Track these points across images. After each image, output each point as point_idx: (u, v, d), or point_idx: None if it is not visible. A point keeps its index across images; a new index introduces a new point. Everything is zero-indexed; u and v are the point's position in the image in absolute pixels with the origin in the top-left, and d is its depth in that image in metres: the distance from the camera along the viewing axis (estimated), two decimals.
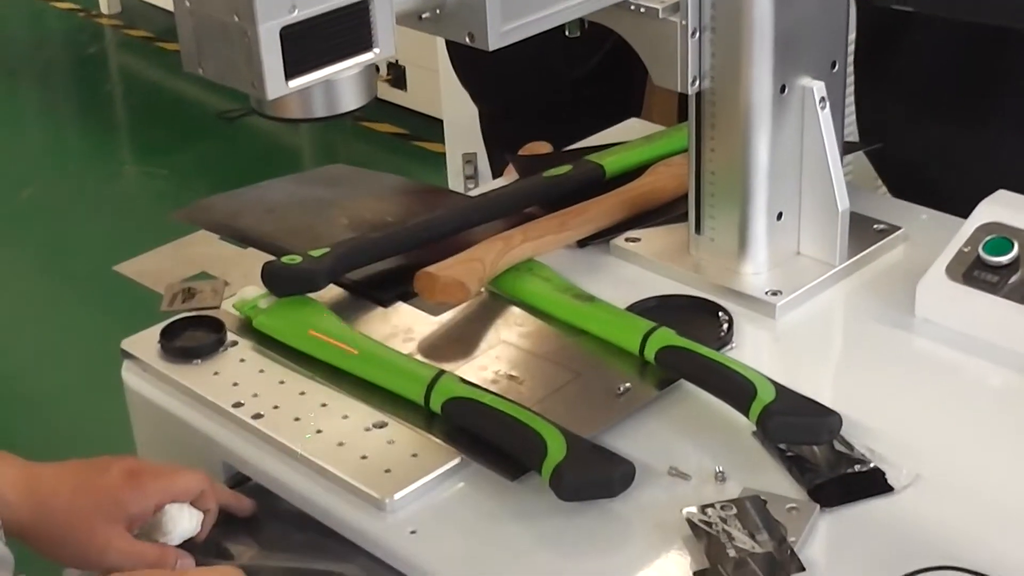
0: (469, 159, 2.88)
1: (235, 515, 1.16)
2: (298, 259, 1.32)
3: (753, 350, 1.28)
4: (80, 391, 2.71)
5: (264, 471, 1.17)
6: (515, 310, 1.34)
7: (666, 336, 1.23)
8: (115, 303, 1.84)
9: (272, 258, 1.34)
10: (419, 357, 1.26)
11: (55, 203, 3.54)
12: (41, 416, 2.73)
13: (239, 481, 1.21)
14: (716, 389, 1.18)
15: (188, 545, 1.12)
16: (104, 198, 3.59)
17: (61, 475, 1.10)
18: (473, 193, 1.62)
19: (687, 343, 1.21)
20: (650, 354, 1.22)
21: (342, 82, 1.11)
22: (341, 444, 1.16)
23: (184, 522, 1.11)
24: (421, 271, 1.31)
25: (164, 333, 1.30)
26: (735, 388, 1.16)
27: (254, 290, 1.34)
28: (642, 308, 1.32)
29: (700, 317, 1.31)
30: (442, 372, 1.19)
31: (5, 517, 1.05)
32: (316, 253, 1.33)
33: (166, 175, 3.71)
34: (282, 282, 1.32)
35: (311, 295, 1.32)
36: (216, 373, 1.26)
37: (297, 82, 1.05)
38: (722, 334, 1.28)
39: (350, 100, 1.13)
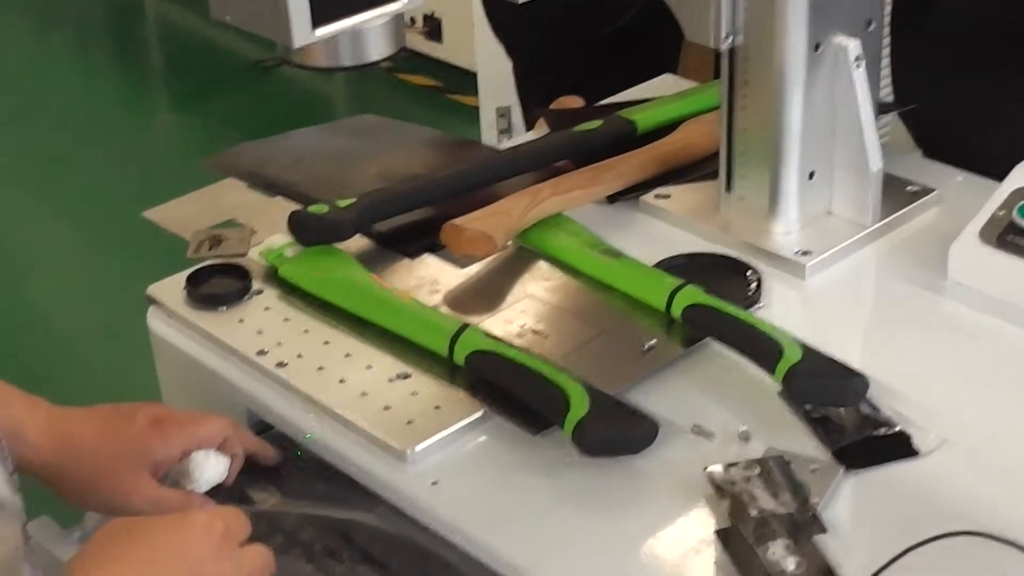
0: (503, 113, 2.87)
1: (259, 463, 1.15)
2: (325, 208, 1.31)
3: (781, 310, 1.26)
4: (109, 335, 2.71)
5: (287, 420, 1.17)
6: (542, 264, 1.33)
7: (693, 294, 1.21)
8: (144, 249, 1.83)
9: (299, 207, 1.34)
10: (444, 309, 1.26)
11: (88, 150, 3.53)
12: (72, 358, 2.73)
13: (262, 429, 1.20)
14: (742, 348, 1.17)
15: (213, 491, 1.11)
16: (137, 145, 3.59)
17: (87, 420, 1.09)
18: (504, 147, 1.60)
19: (714, 301, 1.20)
20: (676, 312, 1.21)
21: (369, 31, 1.10)
22: (364, 394, 1.16)
23: (210, 468, 1.10)
24: (448, 223, 1.30)
25: (190, 280, 1.30)
26: (761, 347, 1.15)
27: (280, 239, 1.34)
28: (670, 265, 1.31)
29: (728, 276, 1.30)
30: (466, 325, 1.18)
31: (29, 459, 1.05)
32: (343, 203, 1.32)
33: (200, 123, 3.70)
34: (308, 231, 1.31)
35: (337, 245, 1.31)
36: (241, 321, 1.26)
37: (323, 31, 1.04)
38: (750, 293, 1.27)
39: (377, 50, 1.12)
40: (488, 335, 1.17)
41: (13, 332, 2.81)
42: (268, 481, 1.16)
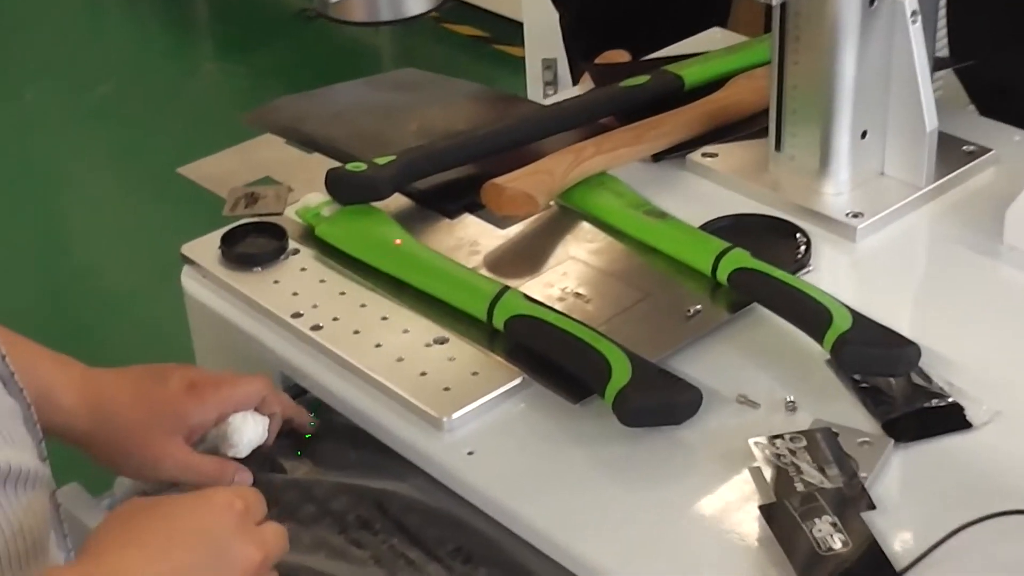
0: (549, 64, 2.81)
1: (294, 428, 1.13)
2: (363, 166, 1.28)
3: (831, 274, 1.22)
4: (149, 290, 2.67)
5: (321, 384, 1.14)
6: (585, 225, 1.29)
7: (740, 257, 1.18)
8: (182, 204, 1.79)
9: (337, 164, 1.31)
10: (484, 272, 1.22)
11: (131, 99, 3.51)
12: (113, 311, 2.72)
13: (296, 394, 1.18)
14: (790, 315, 1.13)
15: (250, 457, 1.08)
16: (179, 95, 3.55)
17: (120, 382, 1.06)
18: (549, 100, 1.57)
19: (762, 265, 1.16)
20: (723, 276, 1.17)
21: None
22: (400, 360, 1.13)
23: (249, 431, 1.07)
24: (488, 182, 1.26)
25: (225, 239, 1.27)
26: (810, 314, 1.11)
27: (317, 197, 1.31)
28: (716, 227, 1.27)
29: (777, 238, 1.26)
30: (506, 288, 1.15)
31: (61, 424, 1.02)
32: (381, 161, 1.29)
33: (243, 72, 3.67)
34: (346, 189, 1.28)
35: (375, 204, 1.28)
36: (276, 282, 1.23)
37: None
38: (799, 256, 1.23)
39: (417, 4, 1.08)
40: (528, 299, 1.14)
41: (55, 285, 2.80)
42: (300, 448, 1.13)
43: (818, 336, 1.09)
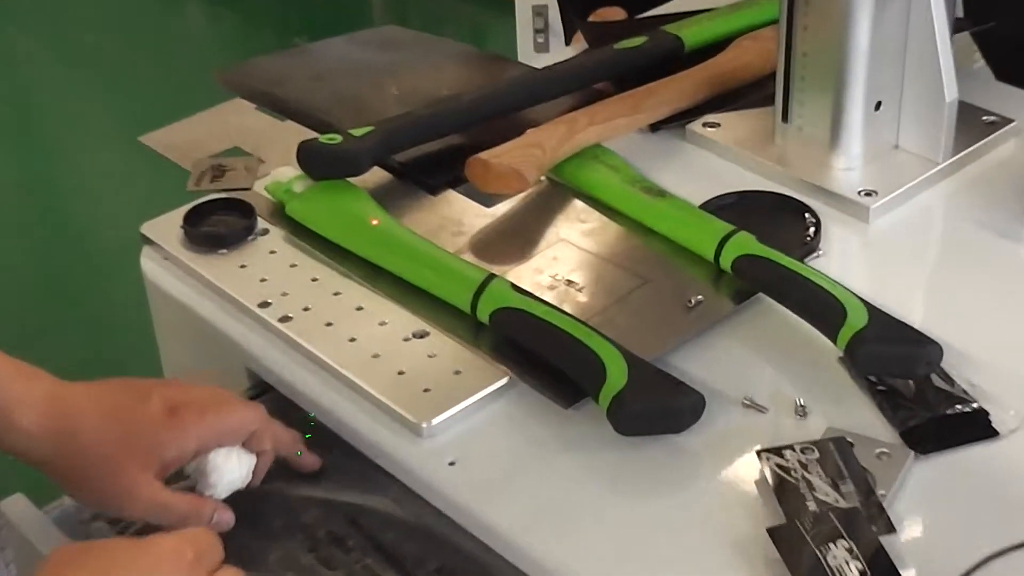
0: (540, 11, 2.69)
1: (291, 466, 0.99)
2: (338, 138, 1.17)
3: (842, 259, 1.12)
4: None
5: (288, 382, 1.04)
6: (577, 203, 1.18)
7: (745, 242, 1.07)
8: (145, 175, 1.67)
9: (310, 135, 1.20)
10: (468, 256, 1.12)
11: (115, 47, 3.35)
12: (101, 274, 2.55)
13: (262, 391, 1.08)
14: (800, 308, 1.03)
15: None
16: (162, 41, 3.41)
17: (91, 402, 0.92)
18: (540, 57, 1.45)
19: (769, 252, 1.06)
20: (726, 262, 1.07)
21: None
22: (376, 356, 1.02)
23: (230, 471, 0.93)
24: (473, 158, 1.16)
25: (188, 217, 1.17)
26: (822, 309, 1.01)
27: (289, 171, 1.21)
28: (719, 205, 1.17)
29: (784, 218, 1.16)
30: (492, 276, 1.05)
31: (22, 448, 0.90)
32: (358, 132, 1.18)
33: (230, 17, 3.53)
34: (319, 164, 1.17)
35: (351, 179, 1.17)
36: (243, 266, 1.12)
37: None
38: (808, 239, 1.13)
39: None
40: (515, 288, 1.04)
41: (42, 247, 2.65)
42: None
43: (831, 333, 0.99)
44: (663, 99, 1.26)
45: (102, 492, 0.90)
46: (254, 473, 0.95)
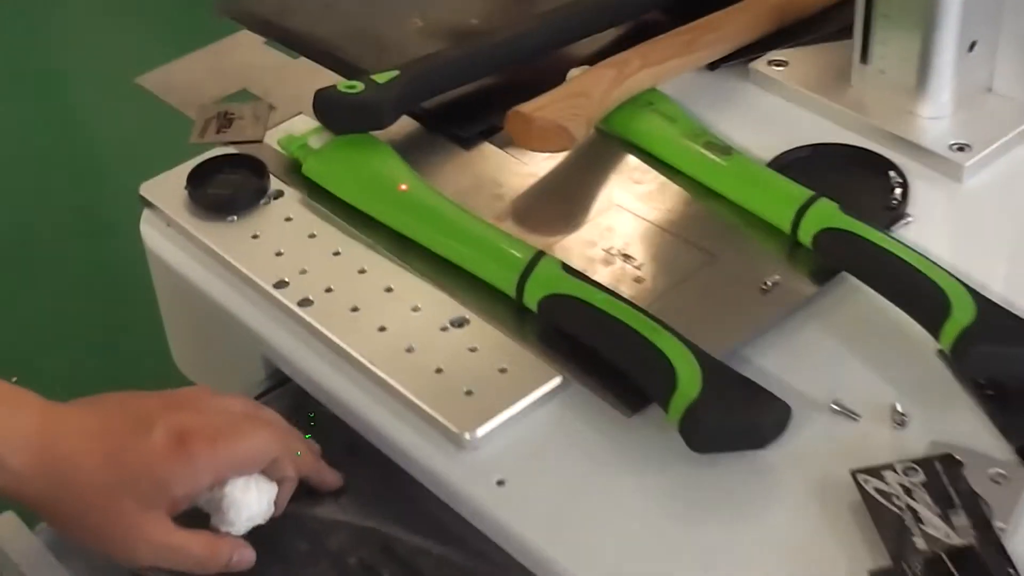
0: None
1: (315, 489, 0.87)
2: (359, 86, 1.03)
3: (934, 226, 0.99)
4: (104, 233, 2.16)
5: (310, 377, 0.91)
6: (630, 159, 1.05)
7: (828, 212, 0.94)
8: (144, 121, 1.48)
9: (325, 74, 1.10)
10: (509, 225, 0.98)
11: None
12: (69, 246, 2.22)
13: (280, 381, 0.95)
14: (896, 295, 0.89)
15: None
16: None
17: (87, 434, 0.79)
18: None
19: (856, 225, 0.92)
20: (806, 236, 0.94)
21: None
22: (410, 350, 0.89)
23: (250, 505, 0.82)
24: (513, 111, 1.01)
25: (192, 177, 1.03)
26: (922, 298, 0.88)
27: (304, 122, 1.07)
28: (790, 160, 1.03)
29: (865, 177, 1.02)
30: (540, 255, 0.91)
31: (10, 486, 0.77)
32: (382, 78, 1.04)
33: None
34: (339, 116, 1.03)
35: (375, 133, 1.03)
36: (255, 236, 0.99)
37: None
38: (894, 203, 0.99)
39: None
40: (568, 270, 0.90)
41: (31, 200, 2.33)
42: None
43: (932, 327, 0.86)
44: (723, 34, 1.12)
45: (105, 538, 0.78)
46: (276, 503, 0.83)
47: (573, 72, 1.08)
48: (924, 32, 1.03)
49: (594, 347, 0.87)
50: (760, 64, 1.13)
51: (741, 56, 1.13)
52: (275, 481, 0.82)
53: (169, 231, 1.01)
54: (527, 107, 1.01)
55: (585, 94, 1.02)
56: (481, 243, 0.94)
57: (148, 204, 1.03)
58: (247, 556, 0.80)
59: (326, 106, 1.03)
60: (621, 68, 1.05)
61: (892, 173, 1.01)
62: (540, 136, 1.00)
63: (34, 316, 1.83)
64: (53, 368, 1.83)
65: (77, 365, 1.87)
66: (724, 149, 1.01)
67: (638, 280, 0.93)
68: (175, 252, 1.00)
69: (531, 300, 0.90)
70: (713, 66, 1.13)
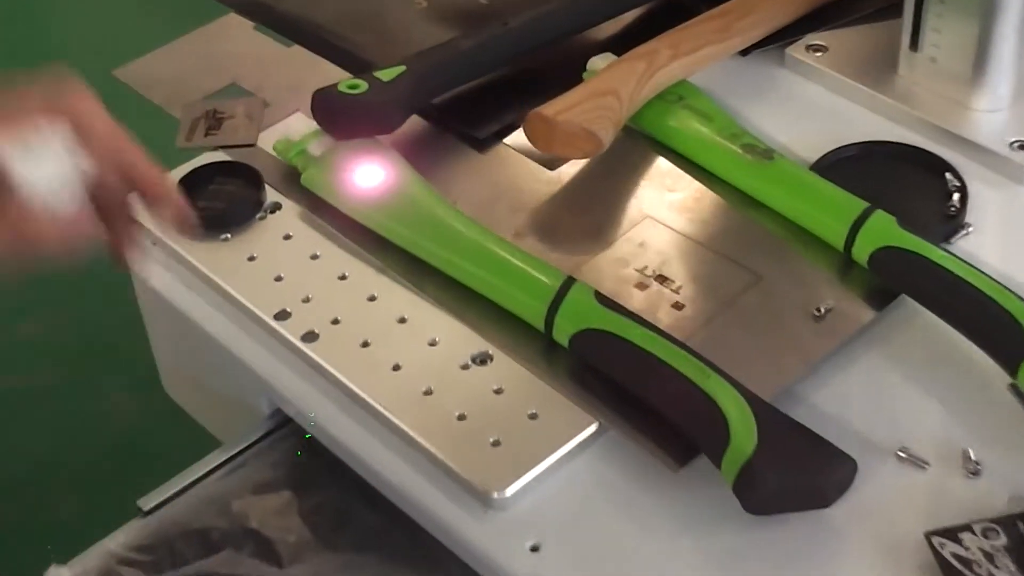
0: None
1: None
2: (362, 85, 0.94)
3: (995, 236, 0.90)
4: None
5: (318, 422, 0.82)
6: (661, 162, 0.96)
7: (885, 228, 0.85)
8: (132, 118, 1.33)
9: (322, 65, 1.01)
10: (531, 241, 0.90)
11: None
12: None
13: (284, 421, 0.86)
14: (964, 325, 0.81)
15: None
16: None
17: None
18: None
19: (918, 243, 0.84)
20: (861, 255, 0.85)
21: None
22: (428, 392, 0.81)
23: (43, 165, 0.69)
24: (533, 113, 0.92)
25: (180, 188, 0.93)
26: (994, 328, 0.80)
27: (302, 122, 0.97)
28: (836, 160, 0.94)
29: (919, 180, 0.94)
30: (571, 281, 0.82)
31: None
32: (387, 75, 0.95)
33: None
34: (341, 119, 0.94)
35: (380, 137, 0.94)
36: (252, 258, 0.90)
37: None
38: (952, 210, 0.90)
39: None
40: (600, 299, 0.82)
41: None
42: (288, 507, 0.83)
43: (1005, 359, 0.78)
44: (759, 17, 1.03)
45: None
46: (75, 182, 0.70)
47: (594, 61, 0.99)
48: (983, 19, 0.94)
49: (635, 392, 0.79)
50: (797, 49, 1.03)
51: (776, 40, 1.04)
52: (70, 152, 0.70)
53: (156, 251, 0.92)
54: (549, 108, 0.91)
55: (613, 92, 0.93)
56: (504, 268, 0.85)
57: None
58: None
59: (326, 109, 0.93)
60: (650, 60, 0.96)
61: (949, 175, 0.92)
62: (564, 141, 0.91)
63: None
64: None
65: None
66: (765, 152, 0.92)
67: (677, 306, 0.85)
68: (162, 275, 0.91)
69: (561, 335, 0.81)
70: (745, 51, 1.04)
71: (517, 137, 0.97)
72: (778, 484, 0.73)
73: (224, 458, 0.85)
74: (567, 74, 0.98)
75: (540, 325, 0.82)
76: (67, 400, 1.82)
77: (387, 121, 0.94)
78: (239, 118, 1.00)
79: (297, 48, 1.07)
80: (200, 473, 0.84)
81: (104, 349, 1.83)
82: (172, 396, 0.99)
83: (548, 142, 0.92)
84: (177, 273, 0.91)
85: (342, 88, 0.93)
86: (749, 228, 0.90)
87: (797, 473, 0.74)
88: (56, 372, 1.87)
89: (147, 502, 0.83)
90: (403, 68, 0.95)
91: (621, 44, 0.99)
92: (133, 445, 1.77)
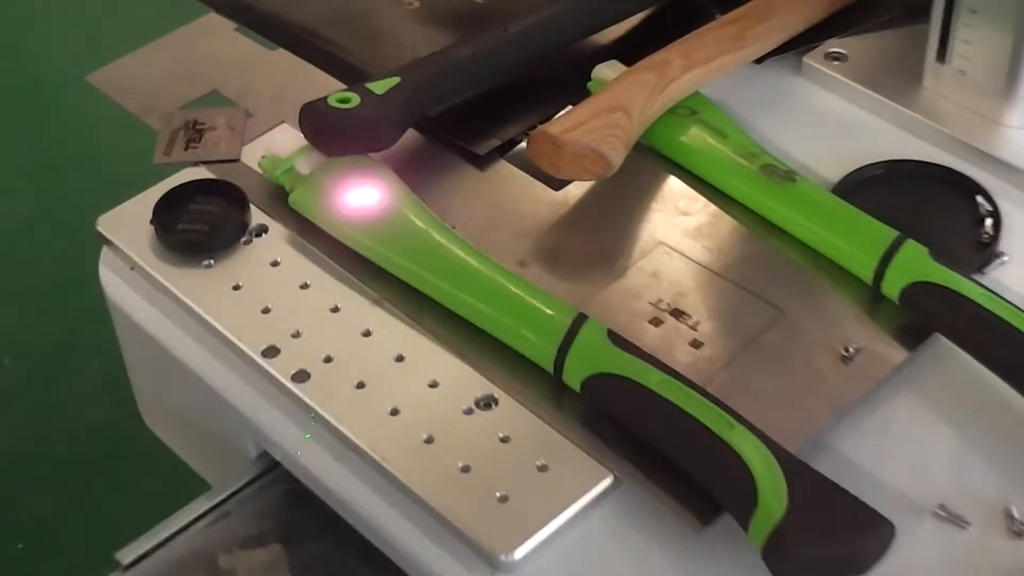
0: None
1: None
2: (353, 99, 0.87)
3: None
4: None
5: (306, 468, 0.77)
6: (673, 183, 0.90)
7: (918, 261, 0.80)
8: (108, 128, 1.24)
9: (308, 70, 0.96)
10: (535, 271, 0.84)
11: None
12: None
13: (271, 465, 0.81)
14: (1004, 369, 0.76)
15: None
16: None
17: None
18: None
19: (953, 279, 0.78)
20: (892, 289, 0.80)
21: None
22: (429, 440, 0.75)
23: None
24: (538, 132, 0.86)
25: (159, 209, 0.87)
26: None
27: (287, 134, 0.91)
28: (859, 180, 0.89)
29: (949, 203, 0.88)
30: (582, 319, 0.77)
31: None
32: (380, 87, 0.89)
33: None
34: (331, 136, 0.88)
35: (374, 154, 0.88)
36: (236, 287, 0.84)
37: None
38: (985, 238, 0.85)
39: None
40: (613, 338, 0.76)
41: None
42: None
43: None
44: (775, 23, 0.97)
45: None
46: None
47: (600, 70, 0.93)
48: (1017, 30, 0.88)
49: (655, 443, 0.73)
50: (815, 57, 0.98)
51: (792, 47, 0.98)
52: None
53: (134, 276, 0.86)
54: (554, 127, 0.85)
55: (622, 108, 0.87)
56: (508, 303, 0.79)
57: (107, 242, 0.88)
58: None
59: (315, 125, 0.87)
60: (662, 72, 0.90)
61: (980, 199, 0.87)
62: (572, 163, 0.85)
63: None
64: None
65: None
66: (786, 174, 0.87)
67: (695, 344, 0.79)
68: (141, 304, 0.85)
69: (573, 379, 0.76)
70: (759, 59, 0.98)
71: (519, 153, 0.91)
72: (811, 552, 0.67)
73: (208, 506, 0.80)
74: (570, 82, 0.93)
75: (549, 367, 0.77)
76: (36, 393, 1.77)
77: (381, 137, 0.87)
78: (221, 130, 0.93)
79: (282, 52, 1.01)
80: (183, 523, 0.79)
81: (73, 340, 1.78)
82: (152, 429, 0.93)
83: (554, 164, 0.86)
84: (156, 303, 0.85)
85: (332, 102, 0.87)
86: (770, 257, 0.85)
87: (832, 540, 0.68)
88: (24, 365, 1.82)
89: (126, 555, 0.77)
90: (397, 80, 0.89)
91: (626, 49, 0.94)
92: (103, 439, 1.73)
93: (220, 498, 0.80)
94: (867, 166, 0.89)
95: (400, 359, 0.79)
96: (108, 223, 0.88)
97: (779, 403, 0.76)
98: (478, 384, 0.78)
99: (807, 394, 0.77)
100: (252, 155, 0.91)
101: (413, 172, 0.88)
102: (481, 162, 0.91)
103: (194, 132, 0.93)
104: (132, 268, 0.86)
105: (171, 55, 1.01)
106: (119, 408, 1.59)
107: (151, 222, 0.87)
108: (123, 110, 0.96)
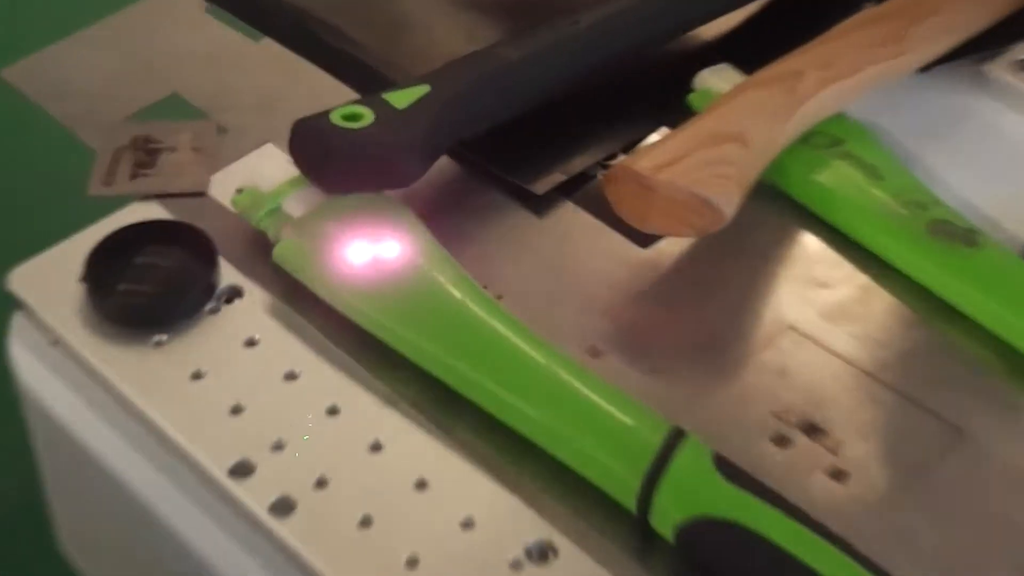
0: None
1: None
2: (366, 115, 0.82)
3: None
4: None
5: None
6: (808, 242, 0.86)
7: None
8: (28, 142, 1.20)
9: (306, 69, 0.94)
10: (610, 361, 0.78)
11: None
12: None
13: None
14: None
15: None
16: None
17: None
18: None
19: None
20: None
21: None
22: None
23: None
24: (620, 167, 0.81)
25: (93, 263, 0.82)
26: None
27: (275, 160, 0.88)
28: None
29: None
30: (679, 434, 0.71)
31: None
32: (402, 99, 0.84)
33: None
34: (334, 167, 0.82)
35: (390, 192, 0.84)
36: (198, 375, 0.78)
37: None
38: None
39: None
40: (723, 466, 0.70)
41: None
42: None
43: None
44: (943, 23, 0.93)
45: None
46: None
47: (705, 77, 0.89)
48: None
49: None
50: (998, 67, 0.94)
51: (968, 53, 0.94)
52: None
53: (55, 354, 0.80)
54: (642, 161, 0.80)
55: (738, 137, 0.82)
56: (575, 411, 0.73)
57: (21, 305, 0.82)
58: None
59: (311, 150, 0.82)
60: (791, 86, 0.85)
61: None
62: (667, 212, 0.80)
63: None
64: None
65: None
66: (966, 233, 0.81)
67: (837, 476, 0.74)
68: (63, 393, 0.80)
69: (663, 523, 0.70)
70: (924, 68, 0.94)
71: (591, 193, 0.87)
72: None
73: None
74: (664, 96, 0.90)
75: (630, 503, 0.71)
76: None
77: (401, 170, 0.82)
78: (182, 151, 0.89)
79: (268, 43, 0.97)
80: None
81: None
82: (70, 559, 0.88)
83: (642, 212, 0.80)
84: (85, 391, 0.79)
85: (336, 119, 0.81)
86: (943, 351, 0.80)
87: None
88: None
89: None
90: (426, 88, 0.83)
91: (740, 50, 0.92)
92: None
93: None
94: None
95: (421, 485, 0.74)
96: (22, 280, 0.83)
97: (954, 565, 0.70)
98: (530, 524, 0.72)
99: (994, 551, 0.71)
100: (224, 188, 0.87)
101: (444, 217, 0.84)
102: (539, 205, 0.87)
103: (145, 153, 0.89)
104: (54, 343, 0.80)
105: (116, 44, 0.98)
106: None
107: (81, 279, 0.81)
108: (49, 118, 0.91)
